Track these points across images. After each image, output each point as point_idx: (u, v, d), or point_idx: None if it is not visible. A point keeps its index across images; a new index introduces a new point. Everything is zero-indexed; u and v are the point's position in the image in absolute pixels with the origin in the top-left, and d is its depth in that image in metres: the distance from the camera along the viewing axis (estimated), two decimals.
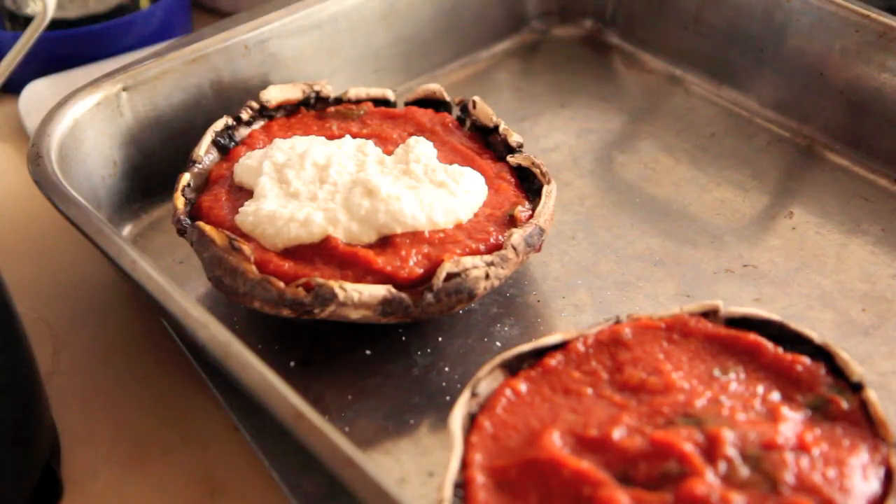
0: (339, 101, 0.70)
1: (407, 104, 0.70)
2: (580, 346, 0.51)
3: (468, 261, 0.55)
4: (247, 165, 0.62)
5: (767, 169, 0.73)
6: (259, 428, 0.55)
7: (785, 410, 0.46)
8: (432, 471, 0.53)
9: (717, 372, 0.49)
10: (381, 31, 0.79)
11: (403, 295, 0.55)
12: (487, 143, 0.67)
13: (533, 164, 0.63)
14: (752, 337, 0.50)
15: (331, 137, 0.65)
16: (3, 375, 0.48)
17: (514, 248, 0.57)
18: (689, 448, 0.44)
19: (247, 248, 0.56)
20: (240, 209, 0.59)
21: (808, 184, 0.71)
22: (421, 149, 0.63)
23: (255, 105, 0.68)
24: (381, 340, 0.60)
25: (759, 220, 0.68)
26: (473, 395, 0.49)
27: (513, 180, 0.63)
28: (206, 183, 0.64)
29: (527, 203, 0.61)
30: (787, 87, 0.76)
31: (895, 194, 0.70)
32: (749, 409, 0.46)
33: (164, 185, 0.68)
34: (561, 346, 0.51)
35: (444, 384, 0.57)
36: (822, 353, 0.50)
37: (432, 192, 0.59)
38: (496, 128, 0.66)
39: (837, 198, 0.70)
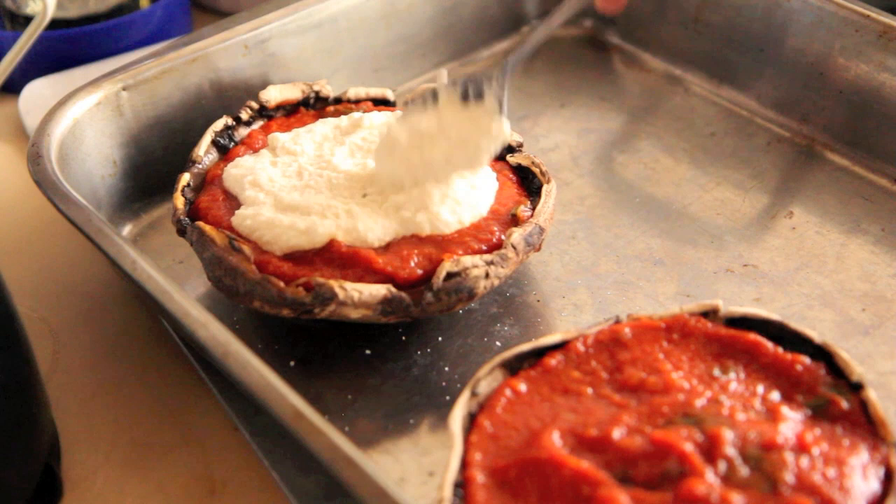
0: (338, 100, 0.70)
1: (407, 104, 0.70)
2: (580, 346, 0.51)
3: (468, 260, 0.55)
4: (234, 175, 0.62)
5: (767, 169, 0.73)
6: (259, 428, 0.55)
7: (785, 410, 0.46)
8: (432, 470, 0.53)
9: (716, 372, 0.49)
10: (381, 31, 0.79)
11: (403, 294, 0.55)
12: None
13: (533, 163, 0.63)
14: (752, 337, 0.50)
15: None
16: (3, 375, 0.48)
17: (514, 248, 0.57)
18: (688, 448, 0.44)
19: (247, 249, 0.56)
20: (236, 212, 0.59)
21: (808, 183, 0.71)
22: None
23: (254, 105, 0.68)
24: (381, 340, 0.60)
25: (759, 219, 0.68)
26: (473, 394, 0.49)
27: (515, 179, 0.63)
28: (204, 183, 0.64)
29: (528, 202, 0.61)
30: (787, 87, 0.76)
31: (895, 194, 0.70)
32: (749, 409, 0.46)
33: (164, 185, 0.68)
34: (561, 346, 0.51)
35: (444, 384, 0.57)
36: (822, 353, 0.50)
37: (455, 183, 0.59)
38: None
39: (837, 198, 0.70)
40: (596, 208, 0.70)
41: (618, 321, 0.53)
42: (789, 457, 0.43)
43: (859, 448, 0.45)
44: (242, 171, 0.62)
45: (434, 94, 0.60)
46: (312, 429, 0.45)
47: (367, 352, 0.59)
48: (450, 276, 0.55)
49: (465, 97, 0.59)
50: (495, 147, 0.60)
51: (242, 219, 0.58)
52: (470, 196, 0.59)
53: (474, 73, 0.60)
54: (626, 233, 0.67)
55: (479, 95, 0.59)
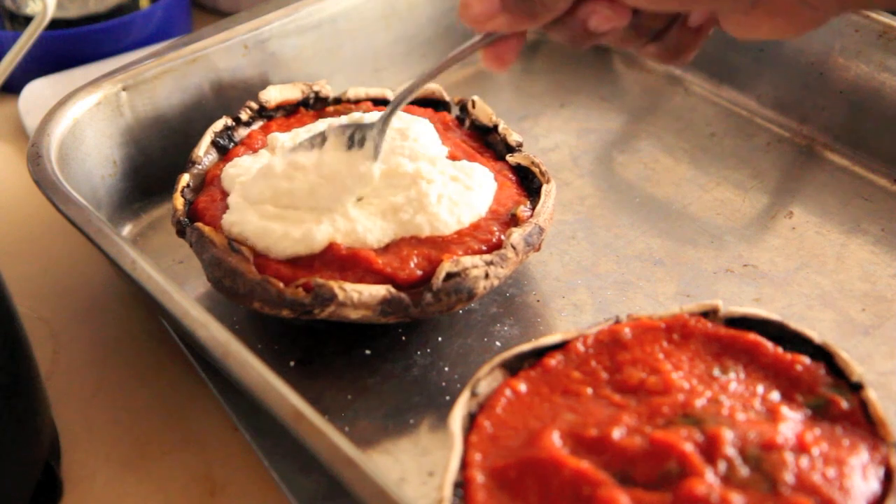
0: (338, 101, 0.70)
1: (406, 103, 0.70)
2: (580, 346, 0.51)
3: (467, 260, 0.55)
4: (231, 175, 0.62)
5: (767, 169, 0.73)
6: (259, 428, 0.55)
7: (785, 410, 0.46)
8: (432, 470, 0.53)
9: (716, 372, 0.49)
10: (381, 31, 0.79)
11: (403, 295, 0.55)
12: (487, 143, 0.67)
13: (532, 163, 0.63)
14: (752, 337, 0.50)
15: None
16: (3, 375, 0.48)
17: (514, 248, 0.57)
18: (688, 448, 0.44)
19: (246, 250, 0.56)
20: (223, 217, 0.59)
21: (807, 183, 0.71)
22: (418, 128, 0.63)
23: (254, 105, 0.68)
24: (381, 340, 0.60)
25: (759, 219, 0.68)
26: (473, 394, 0.49)
27: (514, 179, 0.63)
28: (203, 184, 0.64)
29: (528, 202, 0.61)
30: (787, 87, 0.76)
31: (895, 194, 0.70)
32: (749, 409, 0.46)
33: (164, 185, 0.68)
34: (561, 346, 0.51)
35: (443, 384, 0.57)
36: (821, 353, 0.50)
37: (450, 185, 0.59)
38: (495, 127, 0.66)
39: (837, 198, 0.70)
40: (596, 208, 0.70)
41: (618, 321, 0.53)
42: (789, 457, 0.43)
43: (859, 448, 0.45)
44: (239, 171, 0.62)
45: (323, 138, 0.61)
46: (312, 429, 0.45)
47: (367, 352, 0.59)
48: (449, 276, 0.55)
49: (350, 143, 0.60)
50: (360, 188, 0.59)
51: (230, 225, 0.58)
52: (467, 196, 0.59)
53: (363, 122, 0.61)
54: (625, 233, 0.67)
55: (363, 142, 0.60)
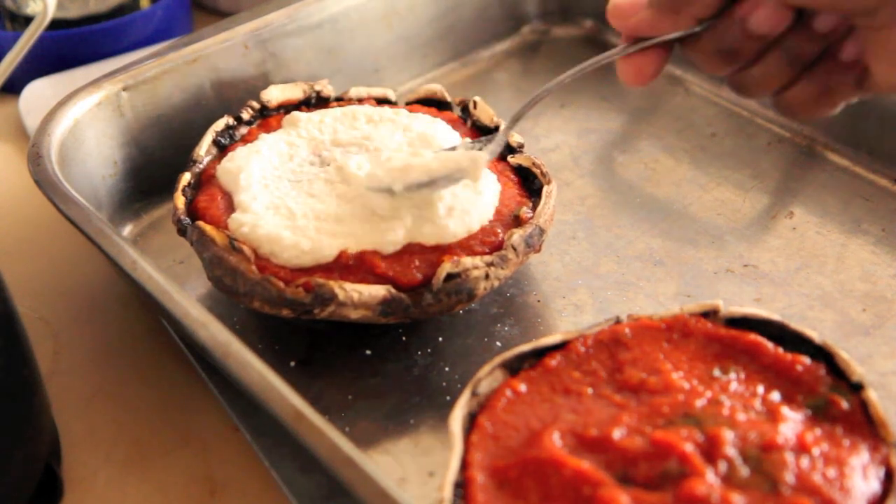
0: (339, 100, 0.70)
1: (408, 104, 0.70)
2: (580, 346, 0.51)
3: (468, 261, 0.55)
4: (228, 169, 0.62)
5: (768, 169, 0.73)
6: (259, 428, 0.55)
7: (785, 410, 0.46)
8: (432, 471, 0.53)
9: (717, 372, 0.49)
10: (381, 31, 0.79)
11: (403, 295, 0.55)
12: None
13: (534, 164, 0.63)
14: (753, 337, 0.50)
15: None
16: (3, 375, 0.48)
17: (514, 249, 0.57)
18: (689, 448, 0.44)
19: (247, 248, 0.56)
20: (232, 216, 0.59)
21: (808, 184, 0.71)
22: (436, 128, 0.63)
23: (255, 105, 0.68)
24: (381, 340, 0.60)
25: (760, 220, 0.68)
26: (474, 394, 0.49)
27: (516, 180, 0.63)
28: (201, 182, 0.64)
29: (529, 203, 0.61)
30: None
31: (895, 194, 0.70)
32: (749, 409, 0.46)
33: (165, 185, 0.68)
34: (561, 346, 0.51)
35: (444, 384, 0.57)
36: (822, 353, 0.50)
37: (459, 191, 0.59)
38: (497, 128, 0.66)
39: (838, 198, 0.70)
40: (596, 208, 0.70)
41: (618, 321, 0.53)
42: (789, 457, 0.44)
43: (859, 448, 0.45)
44: (239, 165, 0.62)
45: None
46: (313, 429, 0.45)
47: (368, 352, 0.59)
48: (450, 277, 0.55)
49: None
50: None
51: (239, 225, 0.58)
52: (477, 203, 0.59)
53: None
54: (626, 233, 0.67)
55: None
